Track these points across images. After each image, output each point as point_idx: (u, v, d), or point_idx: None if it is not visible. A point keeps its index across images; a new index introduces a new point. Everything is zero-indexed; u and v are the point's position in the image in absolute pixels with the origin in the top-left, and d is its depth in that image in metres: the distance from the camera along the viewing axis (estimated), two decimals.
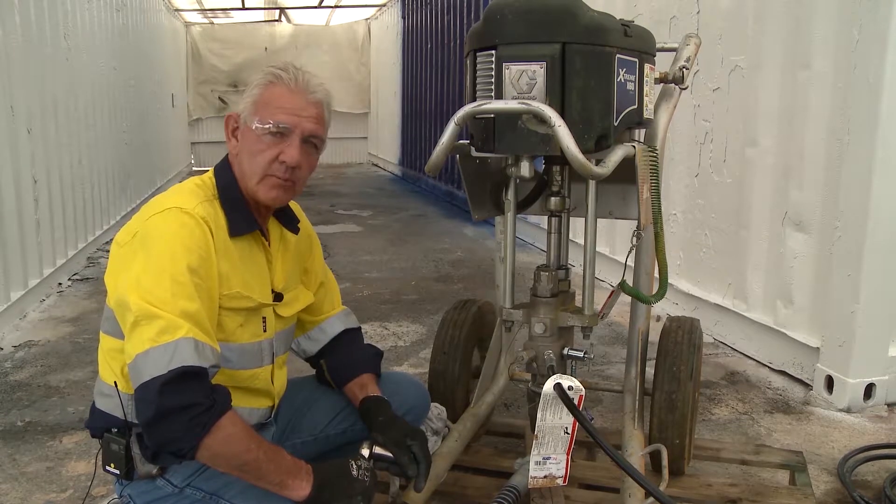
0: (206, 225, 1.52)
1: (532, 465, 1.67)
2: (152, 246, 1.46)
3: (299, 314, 1.86)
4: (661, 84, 2.08)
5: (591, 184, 1.85)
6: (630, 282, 2.03)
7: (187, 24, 14.34)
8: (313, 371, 2.00)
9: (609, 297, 1.99)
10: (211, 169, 1.69)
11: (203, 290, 1.47)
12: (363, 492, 1.53)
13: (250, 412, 1.68)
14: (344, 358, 1.92)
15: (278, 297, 1.72)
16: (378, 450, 1.64)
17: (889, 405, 2.96)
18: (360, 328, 1.99)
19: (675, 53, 2.15)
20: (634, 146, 1.82)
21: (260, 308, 1.65)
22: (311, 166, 1.67)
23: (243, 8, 13.88)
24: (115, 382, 1.55)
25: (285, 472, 1.46)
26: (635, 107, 1.82)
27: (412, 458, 1.63)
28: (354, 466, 1.55)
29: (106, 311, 1.58)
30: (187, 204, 1.53)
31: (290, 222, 1.78)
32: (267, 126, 1.57)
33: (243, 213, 1.62)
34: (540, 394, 1.62)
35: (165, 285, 1.42)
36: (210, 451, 1.40)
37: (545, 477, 1.69)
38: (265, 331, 1.68)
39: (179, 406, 1.36)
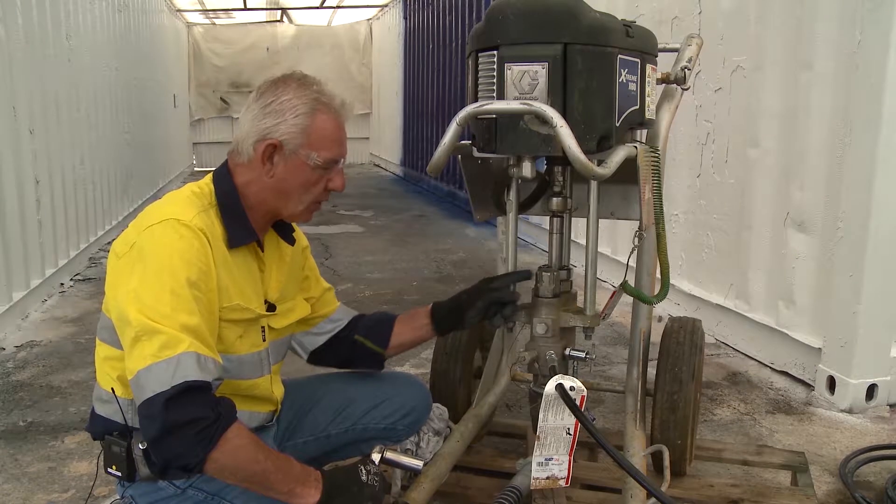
0: (204, 236, 1.50)
1: (534, 466, 1.67)
2: (150, 259, 1.44)
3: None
4: (663, 85, 2.08)
5: (593, 184, 1.85)
6: (632, 282, 2.03)
7: (189, 25, 14.36)
8: (313, 372, 2.00)
9: (611, 297, 1.98)
10: (209, 175, 1.66)
11: (203, 303, 1.46)
12: (372, 497, 1.52)
13: (251, 416, 1.68)
14: (372, 322, 1.96)
15: (271, 307, 1.70)
16: (389, 454, 1.63)
17: (891, 406, 2.96)
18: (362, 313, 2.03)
19: (676, 54, 2.15)
20: (636, 147, 1.82)
21: (258, 319, 1.65)
22: None
23: (245, 8, 13.90)
24: (112, 388, 1.55)
25: (294, 480, 1.46)
26: (637, 107, 1.81)
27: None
28: (363, 471, 1.54)
29: (102, 319, 1.57)
30: (185, 215, 1.50)
31: (287, 232, 1.77)
32: (321, 161, 1.58)
33: (242, 223, 1.60)
34: (542, 394, 1.62)
35: (165, 299, 1.40)
36: (217, 464, 1.39)
37: (548, 478, 1.68)
38: (264, 340, 1.68)
39: (185, 421, 1.35)
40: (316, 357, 1.97)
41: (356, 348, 1.94)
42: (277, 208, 1.63)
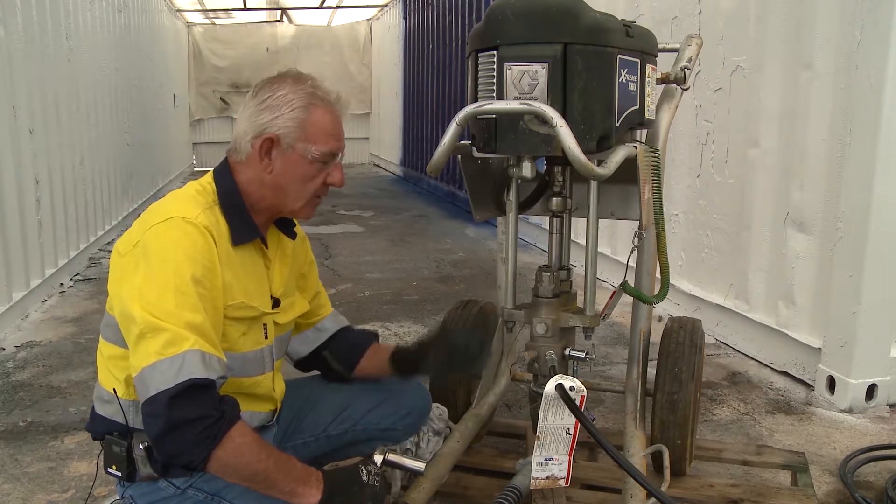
0: (209, 234, 1.50)
1: (534, 466, 1.67)
2: (155, 257, 1.44)
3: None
4: (663, 84, 2.08)
5: (593, 184, 1.85)
6: (632, 282, 2.03)
7: (189, 25, 14.36)
8: (312, 372, 2.00)
9: (611, 297, 1.98)
10: (210, 173, 1.66)
11: (208, 300, 1.46)
12: (373, 497, 1.52)
13: (252, 415, 1.67)
14: (347, 344, 1.94)
15: (276, 302, 1.70)
16: (392, 457, 1.64)
17: (891, 406, 2.96)
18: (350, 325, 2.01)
19: (676, 54, 2.15)
20: (636, 147, 1.82)
21: (261, 316, 1.65)
22: None
23: (245, 8, 13.89)
24: (114, 389, 1.55)
25: (295, 479, 1.46)
26: (637, 107, 1.82)
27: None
28: (364, 471, 1.55)
29: (106, 317, 1.57)
30: (189, 213, 1.51)
31: (288, 227, 1.77)
32: (318, 154, 1.58)
33: (245, 220, 1.61)
34: (541, 394, 1.62)
35: (169, 297, 1.40)
36: (221, 463, 1.39)
37: (547, 478, 1.69)
38: (266, 338, 1.68)
39: (189, 419, 1.35)
40: (299, 363, 1.98)
41: (323, 363, 1.95)
42: (277, 204, 1.63)
